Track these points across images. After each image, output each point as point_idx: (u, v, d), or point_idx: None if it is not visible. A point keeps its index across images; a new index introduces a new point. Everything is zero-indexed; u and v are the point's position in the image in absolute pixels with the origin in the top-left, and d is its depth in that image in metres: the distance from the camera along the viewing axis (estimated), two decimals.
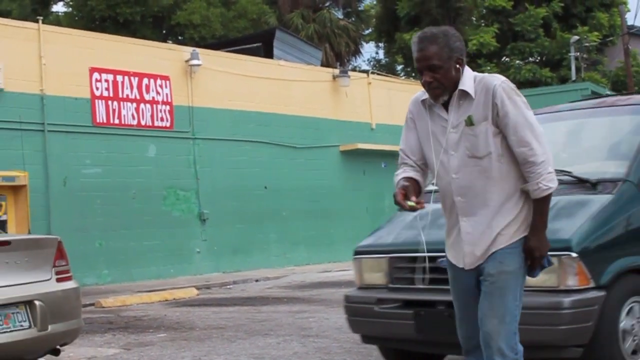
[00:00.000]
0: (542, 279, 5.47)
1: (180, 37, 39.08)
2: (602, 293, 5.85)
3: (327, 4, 45.89)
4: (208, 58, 22.30)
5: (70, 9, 40.51)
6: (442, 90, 4.33)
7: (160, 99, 21.20)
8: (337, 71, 26.52)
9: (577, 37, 35.90)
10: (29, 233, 16.75)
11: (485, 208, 4.37)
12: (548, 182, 4.26)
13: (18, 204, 18.10)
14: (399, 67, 46.33)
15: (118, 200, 20.00)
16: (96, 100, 19.88)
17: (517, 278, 4.38)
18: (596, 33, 37.08)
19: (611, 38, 38.38)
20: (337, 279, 18.63)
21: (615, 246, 6.06)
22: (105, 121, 20.04)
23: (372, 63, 50.19)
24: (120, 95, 20.38)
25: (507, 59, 38.33)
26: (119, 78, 20.40)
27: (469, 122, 4.33)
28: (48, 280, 7.48)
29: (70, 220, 18.78)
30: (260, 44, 26.56)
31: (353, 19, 46.92)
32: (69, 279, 7.74)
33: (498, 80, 4.33)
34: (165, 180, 21.09)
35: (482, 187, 4.37)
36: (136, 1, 36.34)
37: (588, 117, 7.34)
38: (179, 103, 21.53)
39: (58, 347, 7.64)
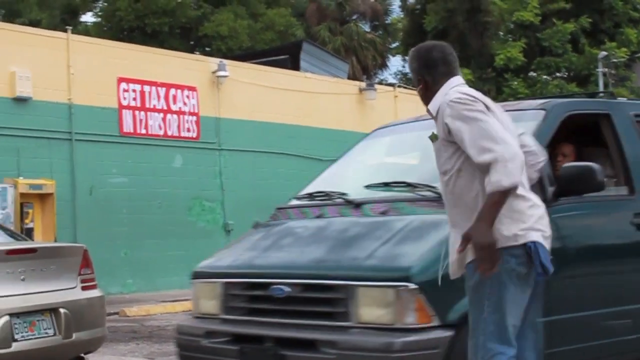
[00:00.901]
0: (376, 314, 5.03)
1: (207, 49, 39.20)
2: (449, 333, 5.00)
3: (355, 17, 45.93)
4: (235, 69, 22.37)
5: (99, 19, 40.78)
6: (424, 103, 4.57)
7: (187, 109, 21.27)
8: (363, 84, 26.52)
9: (605, 53, 35.69)
10: (55, 241, 16.83)
11: (461, 221, 4.35)
12: (497, 176, 4.06)
13: (45, 212, 18.20)
14: None
15: (143, 210, 20.07)
16: (123, 110, 19.98)
17: (479, 291, 4.27)
18: (624, 49, 36.85)
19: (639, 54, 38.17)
20: None
21: None
22: (132, 131, 20.13)
23: (398, 76, 50.11)
24: (148, 106, 20.47)
25: (534, 74, 38.18)
26: (147, 88, 20.50)
27: (433, 138, 4.47)
28: (73, 288, 7.52)
29: (96, 229, 18.85)
30: (287, 56, 26.61)
31: (380, 32, 46.94)
32: (94, 287, 7.78)
33: (447, 98, 4.34)
34: (190, 190, 21.15)
35: (450, 200, 4.44)
36: (164, 12, 36.52)
37: None
38: (205, 114, 21.60)
39: (82, 355, 7.68)
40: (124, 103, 20.00)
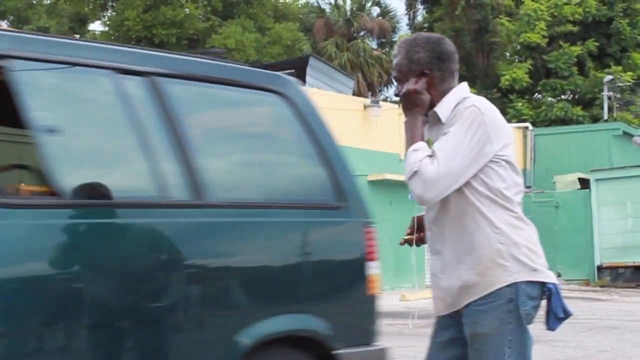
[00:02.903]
0: None
1: None
2: None
3: (362, 33, 46.09)
4: None
5: (107, 28, 40.96)
6: None
7: None
8: (368, 101, 26.59)
9: (610, 77, 35.78)
10: None
11: (447, 246, 3.65)
12: (414, 166, 3.54)
13: None
14: None
15: None
16: None
17: (497, 338, 3.58)
18: (630, 73, 36.94)
19: None
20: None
21: None
22: None
23: None
24: None
25: (539, 96, 38.28)
26: None
27: (430, 143, 3.73)
28: None
29: None
30: (293, 71, 26.61)
31: (387, 49, 47.07)
32: None
33: (470, 102, 3.58)
34: None
35: (443, 219, 3.68)
36: (172, 23, 36.68)
37: None
38: None
39: None
40: None
